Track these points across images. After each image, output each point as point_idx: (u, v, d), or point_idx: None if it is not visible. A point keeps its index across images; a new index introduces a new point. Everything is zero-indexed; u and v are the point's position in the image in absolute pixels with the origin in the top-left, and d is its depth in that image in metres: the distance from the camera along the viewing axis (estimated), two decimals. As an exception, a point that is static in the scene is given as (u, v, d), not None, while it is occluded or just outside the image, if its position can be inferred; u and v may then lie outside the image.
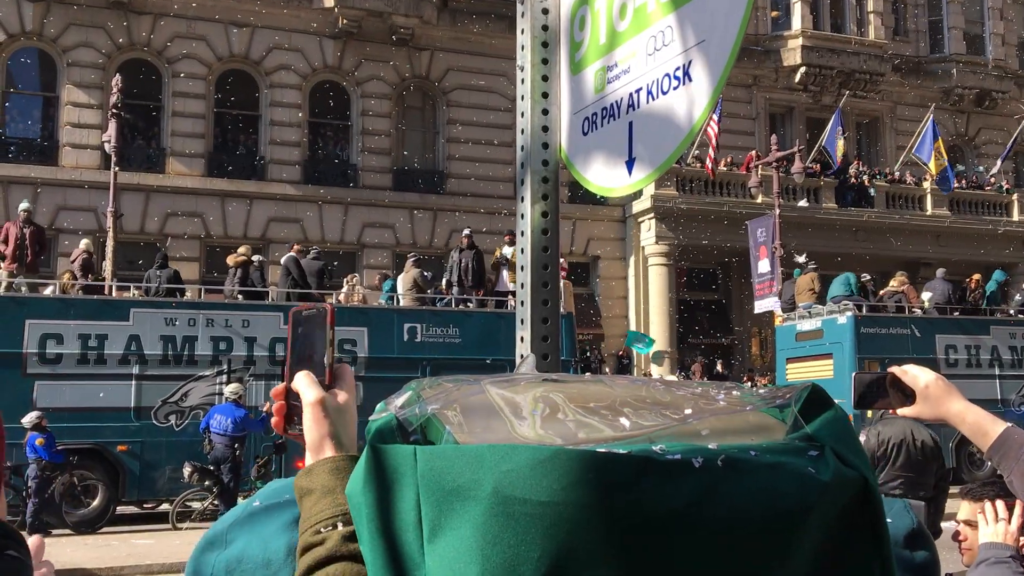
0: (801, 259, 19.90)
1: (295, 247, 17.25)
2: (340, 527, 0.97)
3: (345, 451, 1.06)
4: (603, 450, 0.78)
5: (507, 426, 0.85)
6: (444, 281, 17.58)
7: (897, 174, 28.54)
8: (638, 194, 26.02)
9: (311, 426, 1.06)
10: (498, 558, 0.75)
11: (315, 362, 1.09)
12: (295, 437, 1.10)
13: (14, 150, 22.66)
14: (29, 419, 12.70)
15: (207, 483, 13.43)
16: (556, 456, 0.77)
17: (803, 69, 29.32)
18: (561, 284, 14.99)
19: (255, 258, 17.43)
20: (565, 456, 0.77)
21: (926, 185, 27.90)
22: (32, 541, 1.16)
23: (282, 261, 17.11)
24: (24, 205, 16.61)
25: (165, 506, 14.51)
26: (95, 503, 13.95)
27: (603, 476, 0.76)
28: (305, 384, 1.07)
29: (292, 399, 1.10)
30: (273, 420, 1.13)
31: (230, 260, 16.77)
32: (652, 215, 25.61)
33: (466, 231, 18.19)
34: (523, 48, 2.12)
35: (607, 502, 0.75)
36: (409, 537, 0.81)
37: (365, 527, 0.86)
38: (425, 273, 17.61)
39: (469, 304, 16.88)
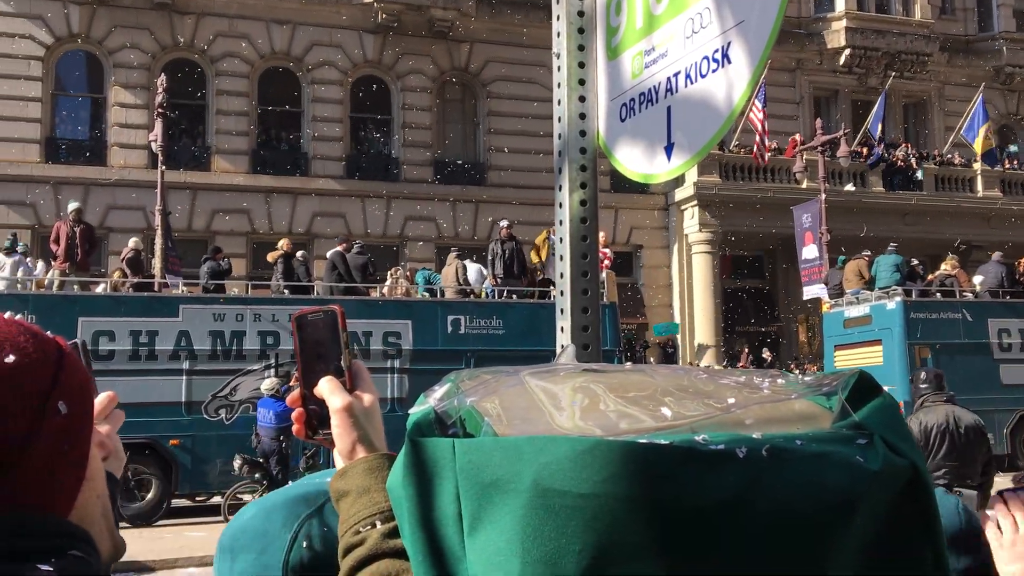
0: (866, 253, 19.57)
1: (343, 244, 17.41)
2: (379, 525, 0.97)
3: (377, 452, 1.06)
4: (644, 440, 0.77)
5: (546, 417, 0.84)
6: (490, 273, 17.59)
7: (947, 156, 27.96)
8: (680, 182, 25.80)
9: (341, 433, 1.06)
10: (539, 552, 0.74)
11: (333, 366, 1.08)
12: (321, 442, 1.10)
13: (64, 151, 23.12)
14: None
15: (257, 475, 13.62)
16: (596, 447, 0.76)
17: (847, 51, 28.80)
18: (604, 274, 14.82)
19: (299, 254, 17.64)
20: (606, 447, 0.76)
21: (976, 167, 27.28)
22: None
23: (328, 255, 17.28)
24: (73, 205, 16.94)
25: (217, 499, 14.75)
26: (149, 496, 14.24)
27: (645, 467, 0.75)
28: (330, 390, 1.07)
29: (310, 404, 1.09)
30: (294, 428, 1.12)
31: (270, 257, 17.03)
32: (695, 202, 25.37)
33: (504, 222, 18.18)
34: (559, 35, 2.09)
35: (649, 494, 0.74)
36: (450, 531, 0.80)
37: (406, 521, 0.86)
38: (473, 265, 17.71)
39: (512, 296, 16.89)
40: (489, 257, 17.72)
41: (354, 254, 16.95)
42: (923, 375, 6.75)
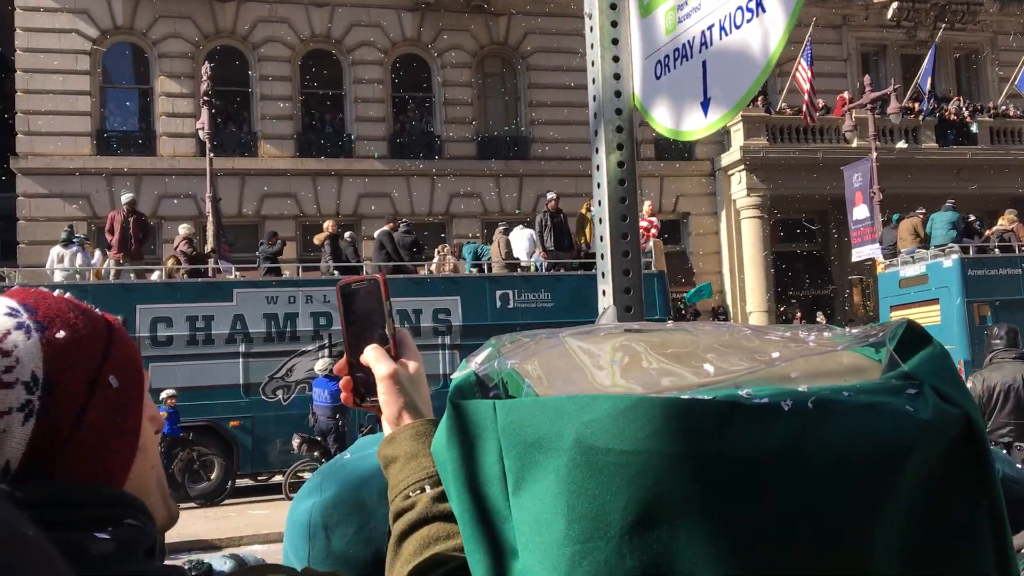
0: (921, 211, 19.16)
1: (390, 224, 17.53)
2: (428, 489, 0.98)
3: (423, 418, 1.08)
4: (687, 396, 0.76)
5: (587, 377, 0.83)
6: (539, 246, 17.59)
7: (1002, 108, 27.14)
8: (727, 146, 25.45)
9: (387, 399, 1.07)
10: (584, 508, 0.74)
11: (378, 334, 1.10)
12: (368, 408, 1.11)
13: (115, 143, 23.54)
14: (164, 394, 13.33)
15: (315, 453, 13.86)
16: (639, 404, 0.75)
17: (895, 4, 28.05)
18: (651, 243, 14.61)
19: (346, 234, 17.80)
20: (648, 404, 0.75)
21: (1034, 117, 26.49)
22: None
23: (375, 235, 17.43)
24: (127, 196, 17.25)
25: (278, 478, 15.05)
26: (214, 476, 14.59)
27: (687, 423, 0.74)
28: (375, 358, 1.08)
29: (357, 372, 1.11)
30: (343, 396, 1.14)
31: (316, 239, 17.22)
32: (742, 167, 24.99)
33: (551, 195, 18.12)
34: (590, -7, 2.04)
35: (692, 449, 0.74)
36: (494, 490, 0.81)
37: (452, 483, 0.87)
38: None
39: (560, 269, 16.87)
40: (537, 230, 17.71)
41: (401, 233, 17.07)
42: (996, 330, 6.64)
